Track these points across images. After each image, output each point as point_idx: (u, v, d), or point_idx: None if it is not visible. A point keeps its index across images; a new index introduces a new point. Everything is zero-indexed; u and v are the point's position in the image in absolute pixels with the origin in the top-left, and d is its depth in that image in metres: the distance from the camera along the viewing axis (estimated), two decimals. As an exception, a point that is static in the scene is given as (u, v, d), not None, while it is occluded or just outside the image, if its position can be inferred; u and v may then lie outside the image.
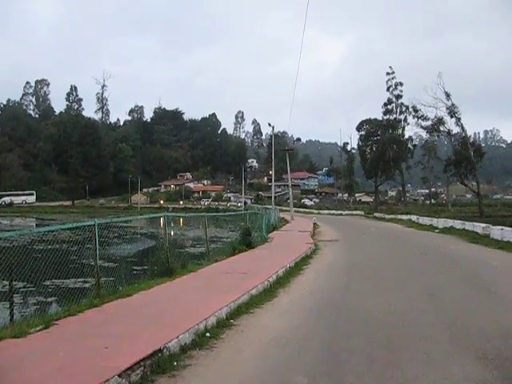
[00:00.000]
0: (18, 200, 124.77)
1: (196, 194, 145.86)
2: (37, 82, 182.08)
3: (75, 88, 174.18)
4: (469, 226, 35.23)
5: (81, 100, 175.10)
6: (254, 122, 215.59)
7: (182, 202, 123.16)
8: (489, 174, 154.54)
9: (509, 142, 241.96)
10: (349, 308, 10.75)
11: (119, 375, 5.83)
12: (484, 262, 19.69)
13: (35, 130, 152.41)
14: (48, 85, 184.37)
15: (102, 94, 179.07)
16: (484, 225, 32.21)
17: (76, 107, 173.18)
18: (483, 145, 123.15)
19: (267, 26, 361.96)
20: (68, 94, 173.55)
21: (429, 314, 10.10)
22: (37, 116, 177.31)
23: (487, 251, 24.01)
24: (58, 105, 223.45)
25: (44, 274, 9.95)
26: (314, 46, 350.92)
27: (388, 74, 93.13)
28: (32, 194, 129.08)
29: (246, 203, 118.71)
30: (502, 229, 27.97)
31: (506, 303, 11.31)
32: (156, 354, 6.70)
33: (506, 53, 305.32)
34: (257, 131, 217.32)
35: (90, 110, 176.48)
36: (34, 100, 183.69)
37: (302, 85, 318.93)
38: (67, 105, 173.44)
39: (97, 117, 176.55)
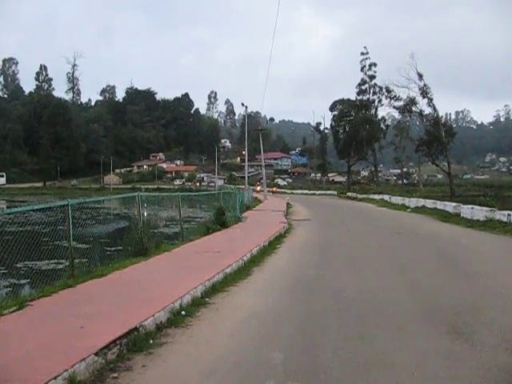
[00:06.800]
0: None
1: (169, 175, 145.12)
2: (4, 60, 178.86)
3: (45, 67, 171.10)
4: (440, 205, 35.77)
5: (51, 80, 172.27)
6: (227, 102, 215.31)
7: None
8: (459, 154, 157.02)
9: (479, 123, 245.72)
10: (322, 286, 10.87)
11: (96, 354, 5.85)
12: (454, 240, 20.04)
13: (4, 110, 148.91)
14: (16, 64, 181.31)
15: (73, 73, 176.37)
16: (455, 204, 32.71)
17: (46, 87, 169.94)
18: (454, 125, 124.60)
19: (247, 6, 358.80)
20: (37, 74, 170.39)
21: (400, 291, 10.29)
22: (5, 96, 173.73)
23: (458, 229, 24.42)
24: (28, 85, 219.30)
25: (16, 256, 9.84)
26: (292, 27, 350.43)
27: (362, 54, 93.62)
28: (2, 176, 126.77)
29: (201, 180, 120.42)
30: (471, 208, 28.45)
31: (475, 279, 11.57)
32: (132, 332, 6.72)
33: (480, 36, 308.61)
34: (230, 111, 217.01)
35: (60, 90, 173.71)
36: (1, 80, 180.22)
37: (277, 66, 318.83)
38: (37, 85, 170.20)
39: (67, 97, 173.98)
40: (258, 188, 75.11)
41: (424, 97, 64.13)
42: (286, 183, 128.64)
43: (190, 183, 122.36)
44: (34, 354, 5.79)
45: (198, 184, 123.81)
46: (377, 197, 59.87)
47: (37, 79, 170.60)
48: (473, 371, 5.81)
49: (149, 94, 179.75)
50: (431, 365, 6.02)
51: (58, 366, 5.37)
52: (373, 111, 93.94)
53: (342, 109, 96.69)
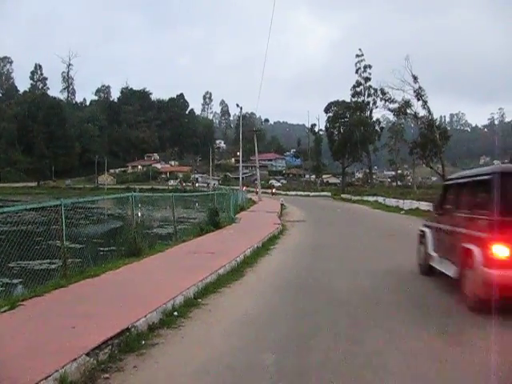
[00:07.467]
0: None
1: (163, 175, 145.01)
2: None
3: (40, 66, 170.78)
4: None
5: (46, 79, 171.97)
6: (222, 102, 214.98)
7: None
8: (454, 156, 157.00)
9: (473, 125, 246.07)
10: (314, 287, 10.88)
11: (87, 354, 5.83)
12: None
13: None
14: (11, 63, 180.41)
15: (68, 73, 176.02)
16: (448, 206, 32.71)
17: (41, 86, 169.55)
18: (449, 128, 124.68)
19: (244, 6, 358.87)
20: (32, 73, 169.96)
21: (393, 292, 10.31)
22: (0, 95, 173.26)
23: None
24: (22, 84, 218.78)
25: (9, 255, 9.80)
26: (289, 27, 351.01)
27: (357, 56, 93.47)
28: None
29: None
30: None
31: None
32: (124, 333, 6.71)
33: (474, 38, 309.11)
34: (225, 112, 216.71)
35: (55, 90, 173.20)
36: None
37: (273, 67, 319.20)
38: (31, 84, 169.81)
39: (62, 96, 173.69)
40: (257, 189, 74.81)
41: (419, 99, 64.18)
42: (280, 184, 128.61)
43: (185, 183, 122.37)
44: (25, 354, 5.77)
45: (196, 185, 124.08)
46: (371, 199, 59.92)
47: (31, 78, 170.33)
48: (463, 373, 5.84)
49: (144, 94, 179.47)
50: (422, 366, 6.02)
51: (49, 366, 5.35)
52: (367, 113, 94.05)
53: (337, 110, 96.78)
